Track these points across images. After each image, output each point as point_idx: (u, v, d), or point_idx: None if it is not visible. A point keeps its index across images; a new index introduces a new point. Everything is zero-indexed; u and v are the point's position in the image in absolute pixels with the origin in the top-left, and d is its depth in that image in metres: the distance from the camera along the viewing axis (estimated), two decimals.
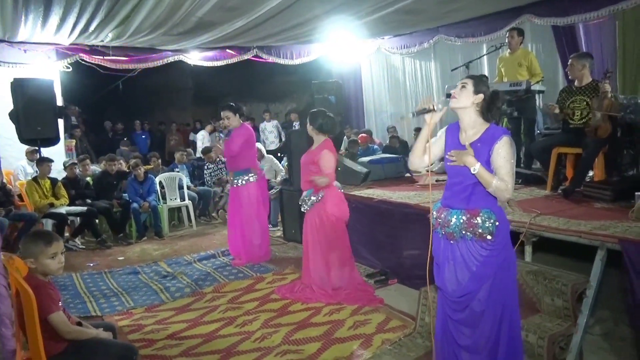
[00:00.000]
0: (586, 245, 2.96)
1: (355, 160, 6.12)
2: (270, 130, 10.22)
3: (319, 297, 4.02)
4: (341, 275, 4.15)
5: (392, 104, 9.15)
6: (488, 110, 2.36)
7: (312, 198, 4.04)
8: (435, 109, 2.40)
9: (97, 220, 6.32)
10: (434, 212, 2.51)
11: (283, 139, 9.66)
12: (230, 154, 4.95)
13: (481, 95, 2.35)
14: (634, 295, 2.68)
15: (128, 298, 4.34)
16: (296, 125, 9.75)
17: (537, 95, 5.68)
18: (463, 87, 2.38)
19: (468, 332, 2.44)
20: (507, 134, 2.31)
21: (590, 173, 4.65)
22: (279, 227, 6.49)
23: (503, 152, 2.26)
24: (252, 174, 5.00)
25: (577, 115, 4.51)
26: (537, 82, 5.30)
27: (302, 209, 4.18)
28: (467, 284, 2.37)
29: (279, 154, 8.70)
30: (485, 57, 6.68)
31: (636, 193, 3.46)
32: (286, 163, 6.52)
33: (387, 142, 8.46)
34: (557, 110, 4.58)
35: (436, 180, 5.57)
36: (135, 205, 6.46)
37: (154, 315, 3.92)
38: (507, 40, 5.62)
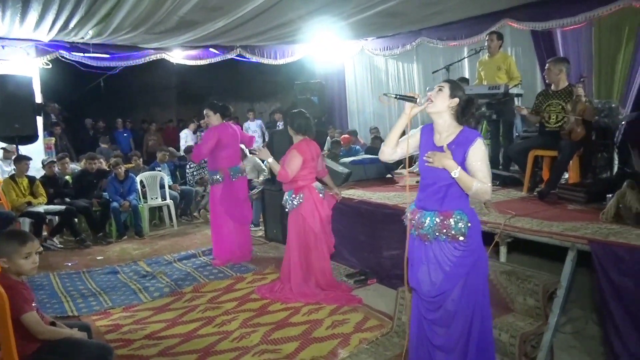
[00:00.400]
0: (558, 246, 3.03)
1: (337, 160, 6.15)
2: (254, 130, 10.19)
3: (298, 297, 4.04)
4: (322, 275, 4.19)
5: (375, 105, 9.22)
6: (462, 114, 2.40)
7: (292, 201, 4.06)
8: (418, 102, 2.41)
9: (76, 220, 6.26)
10: (408, 214, 2.54)
11: (267, 139, 9.65)
12: (197, 158, 4.98)
13: (456, 100, 2.38)
14: (602, 294, 2.76)
15: (106, 298, 4.30)
16: (280, 125, 9.75)
17: (515, 99, 5.77)
18: (440, 90, 2.40)
19: (442, 332, 2.48)
20: (480, 136, 2.36)
21: (566, 175, 4.75)
22: (260, 227, 6.49)
23: (479, 154, 2.31)
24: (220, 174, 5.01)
25: (553, 119, 4.61)
26: (515, 85, 5.39)
27: (285, 209, 4.21)
28: (440, 284, 2.41)
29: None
30: (466, 60, 6.76)
31: (608, 195, 3.56)
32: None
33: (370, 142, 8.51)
34: (524, 112, 4.68)
35: (417, 182, 5.65)
36: (115, 204, 6.41)
37: (132, 315, 3.90)
38: (486, 44, 5.72)
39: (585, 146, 4.62)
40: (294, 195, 4.07)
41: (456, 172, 2.28)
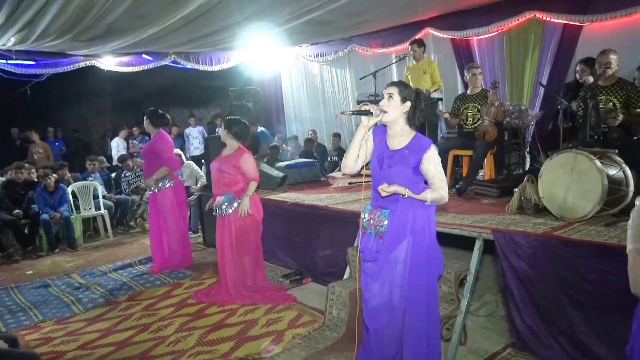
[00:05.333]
0: (467, 236, 3.34)
1: (274, 165, 6.30)
2: (195, 136, 10.11)
3: (234, 299, 4.14)
4: (256, 276, 4.32)
5: (311, 110, 9.45)
6: (414, 115, 2.51)
7: (233, 203, 4.14)
8: (374, 114, 2.49)
9: (1, 234, 6.00)
10: (366, 215, 2.63)
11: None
12: (177, 165, 5.04)
13: (408, 103, 2.49)
14: (504, 277, 3.08)
15: (37, 312, 4.20)
16: (219, 130, 9.75)
17: (439, 102, 6.17)
18: (390, 97, 2.48)
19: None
20: (433, 143, 2.49)
21: (482, 172, 5.15)
22: (199, 234, 6.51)
23: (434, 161, 2.45)
24: (167, 180, 5.02)
25: (470, 121, 5.00)
26: (436, 90, 5.78)
27: (217, 214, 4.24)
28: (397, 279, 2.52)
29: (202, 160, 8.67)
30: (394, 66, 7.13)
31: (514, 189, 3.94)
32: (206, 168, 6.55)
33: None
34: (446, 116, 5.05)
35: (349, 183, 5.91)
36: (45, 216, 6.20)
37: (64, 327, 3.85)
38: (410, 52, 6.09)
39: (498, 145, 5.06)
40: (234, 198, 4.15)
41: (405, 194, 2.43)
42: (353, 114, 2.63)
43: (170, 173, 5.05)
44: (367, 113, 2.49)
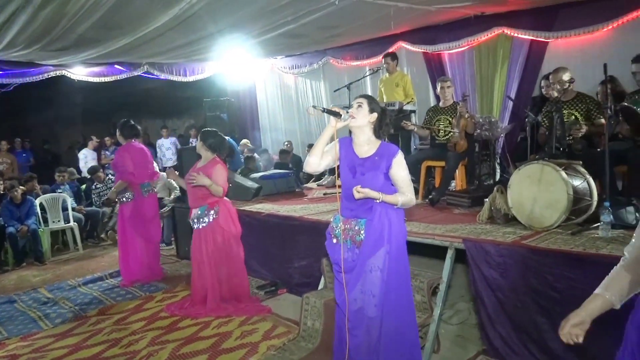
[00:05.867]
0: (439, 245, 3.40)
1: (248, 176, 6.28)
2: (167, 147, 9.99)
3: (208, 312, 4.10)
4: (235, 289, 4.28)
5: (286, 121, 9.47)
6: (380, 127, 2.61)
7: (209, 215, 4.10)
8: (343, 117, 2.56)
9: None
10: (339, 224, 2.65)
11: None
12: (138, 179, 4.98)
13: (375, 114, 2.59)
14: (475, 285, 3.15)
15: (1, 329, 4.08)
16: (193, 141, 9.67)
17: (412, 115, 6.28)
18: (359, 106, 2.60)
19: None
20: (399, 150, 2.60)
21: (454, 183, 5.26)
22: (172, 246, 6.42)
23: (402, 165, 2.55)
24: (128, 192, 4.97)
25: (442, 132, 5.11)
26: (409, 102, 5.88)
27: (193, 227, 4.21)
28: (373, 288, 2.54)
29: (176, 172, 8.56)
30: (368, 78, 7.23)
31: (485, 200, 4.03)
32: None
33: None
34: (411, 127, 5.15)
35: (324, 194, 5.95)
36: (11, 229, 6.01)
37: (31, 344, 3.73)
38: (383, 65, 6.19)
39: (469, 157, 5.18)
40: (209, 210, 4.11)
41: (379, 198, 2.49)
42: (324, 111, 2.70)
43: (131, 186, 4.97)
44: (337, 114, 2.58)
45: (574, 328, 1.53)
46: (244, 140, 8.73)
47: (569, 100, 4.17)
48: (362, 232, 2.57)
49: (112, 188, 5.08)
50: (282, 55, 8.96)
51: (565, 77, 4.12)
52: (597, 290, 1.54)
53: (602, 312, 1.53)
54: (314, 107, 2.97)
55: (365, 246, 2.56)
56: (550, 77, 4.30)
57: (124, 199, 4.98)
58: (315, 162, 2.63)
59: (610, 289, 1.51)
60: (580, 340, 1.53)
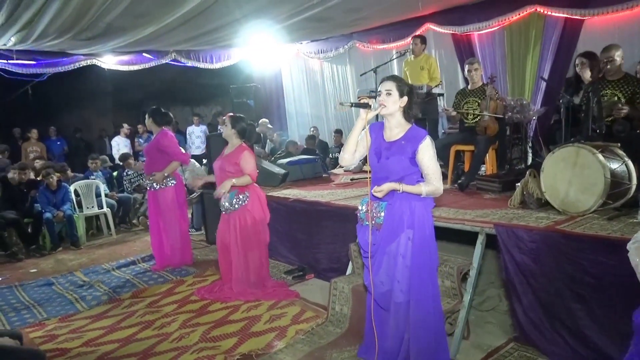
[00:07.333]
0: (469, 231, 3.34)
1: (276, 162, 6.31)
2: (197, 135, 10.09)
3: (237, 296, 4.15)
4: (260, 273, 4.32)
5: (312, 107, 9.44)
6: (410, 108, 2.57)
7: (238, 200, 4.13)
8: (372, 107, 2.55)
9: (5, 233, 6.01)
10: (363, 207, 2.66)
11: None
12: (148, 169, 5.01)
13: (406, 98, 2.55)
14: (507, 271, 3.08)
15: (41, 310, 4.22)
16: (221, 129, 9.73)
17: (439, 98, 6.16)
18: (388, 94, 2.54)
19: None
20: (428, 135, 2.54)
21: (484, 168, 5.15)
22: (201, 231, 6.53)
23: (429, 152, 2.49)
24: (170, 178, 5.03)
25: (471, 116, 4.99)
26: (436, 85, 5.76)
27: (222, 211, 4.25)
28: (397, 274, 2.54)
29: (203, 160, 8.67)
30: (395, 62, 7.11)
31: (516, 184, 3.93)
32: (207, 167, 6.57)
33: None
34: (453, 113, 5.03)
35: (351, 179, 5.92)
36: (48, 215, 6.22)
37: (68, 324, 3.86)
38: (411, 47, 6.07)
39: (500, 140, 5.05)
40: (238, 195, 4.14)
41: (400, 189, 2.46)
42: (352, 105, 2.68)
43: (175, 171, 5.06)
44: (366, 106, 2.55)
45: None
46: (263, 120, 8.69)
47: (615, 80, 3.97)
48: (381, 214, 2.55)
49: (162, 170, 4.93)
50: (308, 40, 8.90)
51: (618, 55, 3.92)
52: None
53: None
54: (342, 103, 2.94)
55: (385, 230, 2.55)
56: (601, 54, 4.07)
57: (167, 182, 5.02)
58: (348, 158, 2.67)
59: None
60: None
